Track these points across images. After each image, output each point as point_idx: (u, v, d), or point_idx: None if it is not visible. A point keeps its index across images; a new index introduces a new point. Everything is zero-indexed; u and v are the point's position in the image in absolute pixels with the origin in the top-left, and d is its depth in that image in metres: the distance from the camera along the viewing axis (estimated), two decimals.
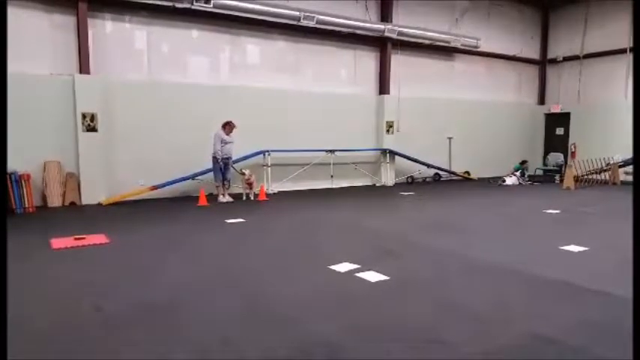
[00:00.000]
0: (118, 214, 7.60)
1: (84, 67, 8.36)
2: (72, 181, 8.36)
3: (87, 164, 8.48)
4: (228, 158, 8.78)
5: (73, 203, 8.35)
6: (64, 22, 8.32)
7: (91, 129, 8.48)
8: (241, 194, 9.23)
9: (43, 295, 3.78)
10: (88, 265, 4.68)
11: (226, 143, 8.67)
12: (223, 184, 8.84)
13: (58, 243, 5.42)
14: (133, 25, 8.97)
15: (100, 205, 8.38)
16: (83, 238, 5.60)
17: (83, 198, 8.46)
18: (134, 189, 8.74)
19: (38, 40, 8.11)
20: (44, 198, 8.21)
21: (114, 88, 8.73)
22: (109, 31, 8.77)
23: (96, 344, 2.88)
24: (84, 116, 8.40)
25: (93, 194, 8.50)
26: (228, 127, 8.70)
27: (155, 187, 8.76)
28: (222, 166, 8.69)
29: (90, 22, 8.41)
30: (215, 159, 8.64)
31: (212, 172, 8.92)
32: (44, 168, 8.15)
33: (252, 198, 9.13)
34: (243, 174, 9.02)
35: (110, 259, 4.86)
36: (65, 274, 4.36)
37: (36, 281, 4.12)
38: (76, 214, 7.60)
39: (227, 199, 8.81)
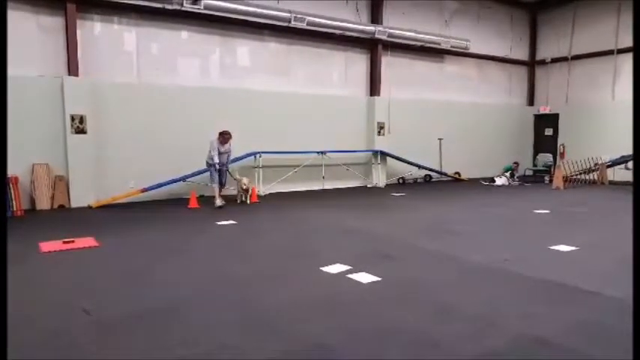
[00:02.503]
0: (108, 217, 7.53)
1: (72, 69, 8.28)
2: (61, 183, 8.27)
3: (76, 167, 8.39)
4: (223, 165, 8.49)
5: (62, 206, 8.26)
6: (52, 23, 8.24)
7: (80, 131, 8.39)
8: (234, 196, 9.12)
9: (32, 299, 3.72)
10: (78, 268, 4.63)
11: (220, 154, 8.30)
12: (220, 188, 8.46)
13: (46, 246, 5.35)
14: (122, 26, 8.90)
15: (89, 208, 8.29)
16: (72, 242, 5.53)
17: (72, 201, 8.37)
18: (124, 191, 8.66)
19: (26, 41, 8.01)
20: (32, 201, 8.11)
21: (103, 89, 8.66)
22: (97, 32, 8.69)
23: (88, 349, 2.85)
24: (73, 118, 8.32)
25: (82, 197, 8.40)
26: (222, 137, 8.27)
27: (145, 190, 8.69)
28: (218, 170, 8.34)
29: (78, 23, 8.34)
30: (208, 164, 8.45)
31: (202, 175, 8.84)
32: (32, 170, 8.05)
33: (246, 201, 8.90)
34: (240, 180, 8.81)
35: (100, 263, 4.81)
36: (54, 278, 4.31)
37: (24, 285, 4.05)
38: (65, 217, 7.51)
39: (221, 202, 8.40)
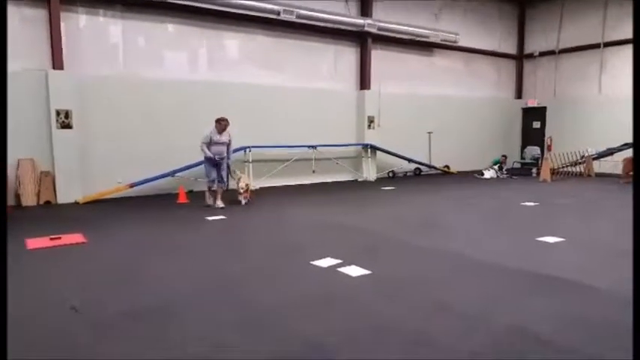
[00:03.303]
0: (96, 212, 7.44)
1: (57, 63, 8.13)
2: (47, 179, 8.14)
3: (62, 162, 8.26)
4: (222, 159, 7.70)
5: (48, 202, 8.14)
6: (35, 15, 8.06)
7: (66, 126, 8.26)
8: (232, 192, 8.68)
9: (21, 297, 3.65)
10: (66, 266, 4.57)
11: (215, 144, 7.59)
12: (219, 186, 7.78)
13: (33, 243, 5.27)
14: (107, 18, 8.74)
15: (76, 203, 8.18)
16: (59, 238, 5.46)
17: (59, 197, 8.25)
18: (112, 187, 8.56)
19: (8, 34, 7.81)
20: (18, 197, 7.97)
21: (89, 83, 8.51)
22: (82, 25, 8.53)
23: (86, 348, 2.81)
24: (58, 113, 8.17)
25: (69, 193, 8.28)
26: (218, 125, 7.62)
27: (133, 185, 8.59)
28: (215, 163, 7.65)
29: (62, 15, 8.17)
30: (206, 158, 7.70)
31: (190, 170, 8.78)
32: (17, 166, 7.90)
33: (241, 201, 8.15)
34: (239, 179, 8.14)
35: (88, 260, 4.75)
36: (42, 276, 4.24)
37: (11, 283, 3.98)
38: (52, 214, 7.41)
39: (217, 204, 7.70)
